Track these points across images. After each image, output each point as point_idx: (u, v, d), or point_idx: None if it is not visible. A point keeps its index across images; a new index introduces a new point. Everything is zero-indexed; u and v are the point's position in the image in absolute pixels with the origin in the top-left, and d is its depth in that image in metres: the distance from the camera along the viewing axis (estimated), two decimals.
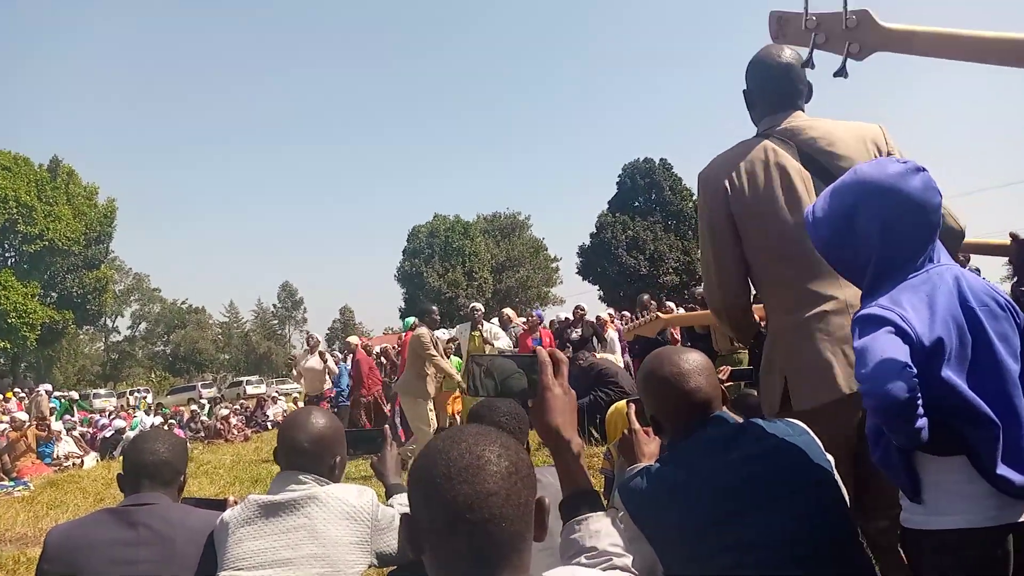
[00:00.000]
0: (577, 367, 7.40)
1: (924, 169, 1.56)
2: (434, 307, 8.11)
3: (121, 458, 11.19)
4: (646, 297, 9.46)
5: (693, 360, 1.70)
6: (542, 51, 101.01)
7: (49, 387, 17.97)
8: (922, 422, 1.37)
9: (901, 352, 1.39)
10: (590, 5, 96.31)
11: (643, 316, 3.16)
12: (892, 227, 1.54)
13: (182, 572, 1.95)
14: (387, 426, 7.56)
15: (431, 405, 7.50)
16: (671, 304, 9.08)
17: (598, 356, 8.32)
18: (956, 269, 1.56)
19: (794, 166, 2.11)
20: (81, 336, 50.40)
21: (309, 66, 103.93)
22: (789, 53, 2.21)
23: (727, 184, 2.16)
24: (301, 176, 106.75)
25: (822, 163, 2.11)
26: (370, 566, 2.04)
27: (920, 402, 1.36)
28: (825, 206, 1.65)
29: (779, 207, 2.10)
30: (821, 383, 1.98)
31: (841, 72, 2.02)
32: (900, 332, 1.43)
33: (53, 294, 39.14)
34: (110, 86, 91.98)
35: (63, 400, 18.80)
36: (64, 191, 38.41)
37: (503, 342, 8.86)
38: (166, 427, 13.35)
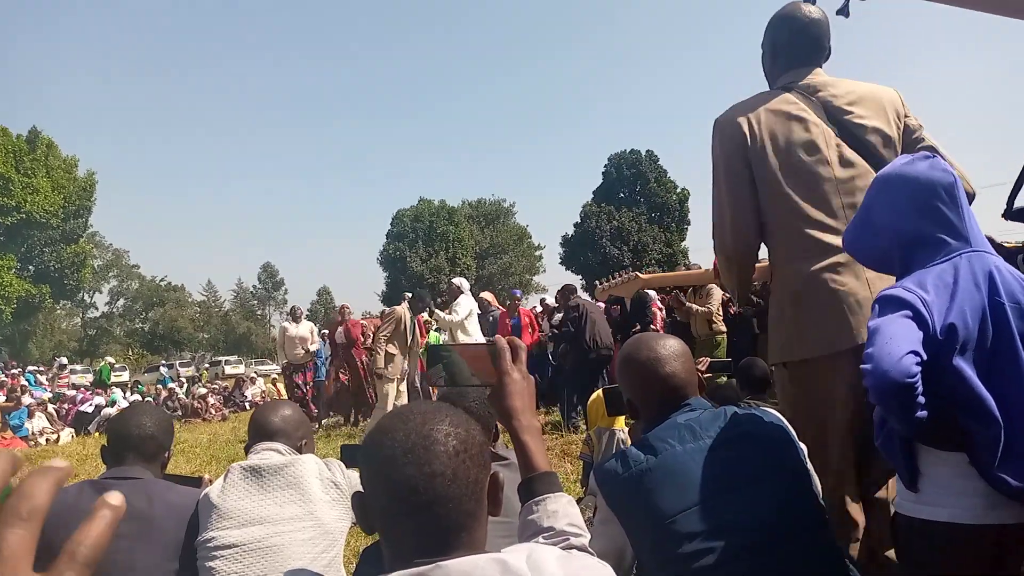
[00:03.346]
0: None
1: (931, 156, 1.58)
2: (426, 293, 8.09)
3: (99, 432, 11.06)
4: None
5: (670, 346, 1.72)
6: (532, 39, 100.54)
7: (64, 360, 17.70)
8: (922, 412, 1.38)
9: (912, 338, 1.40)
10: None
11: (620, 278, 3.12)
12: (902, 210, 1.58)
13: (161, 547, 1.96)
14: None
15: (395, 386, 7.53)
16: (651, 292, 9.08)
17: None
18: (994, 260, 1.54)
19: (815, 120, 2.11)
20: (58, 311, 49.64)
21: (296, 45, 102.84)
22: (815, 10, 2.21)
23: (746, 129, 2.15)
24: (285, 156, 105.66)
25: (844, 121, 2.12)
26: (353, 524, 2.16)
27: (920, 391, 1.37)
28: (852, 218, 1.72)
29: (797, 158, 2.10)
30: (834, 332, 1.99)
31: (843, 11, 1.99)
32: (917, 317, 1.44)
33: (30, 267, 38.50)
34: (93, 57, 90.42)
35: (104, 366, 18.53)
36: (43, 163, 37.61)
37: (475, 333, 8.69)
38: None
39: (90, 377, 28.87)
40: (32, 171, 36.73)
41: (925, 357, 1.39)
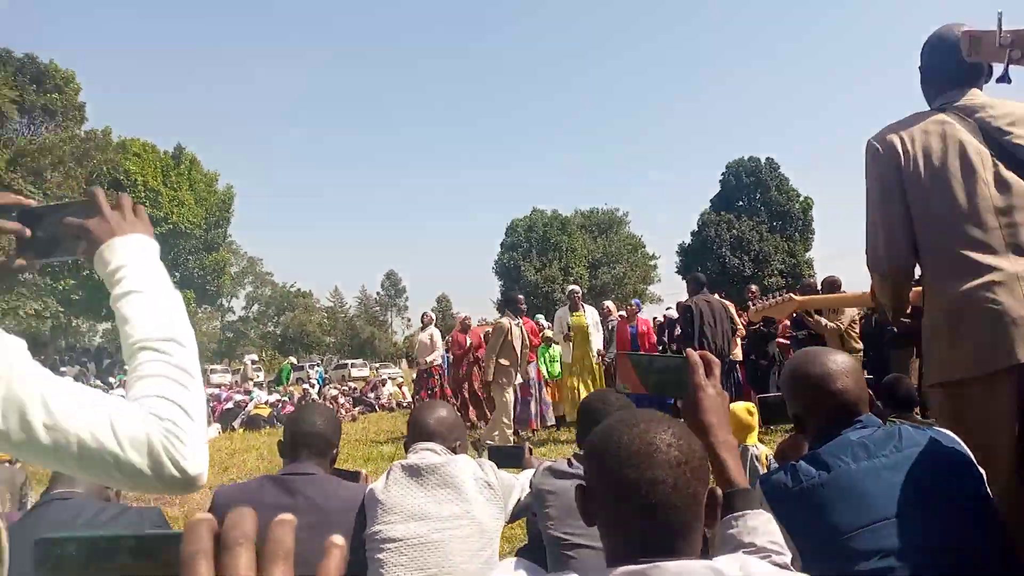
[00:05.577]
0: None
1: None
2: (519, 296, 8.54)
3: (243, 428, 11.92)
4: (755, 288, 9.61)
5: (840, 361, 1.71)
6: (646, 44, 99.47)
7: (254, 356, 18.65)
8: None
9: None
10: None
11: (773, 298, 3.06)
12: None
13: None
14: (527, 443, 8.04)
15: (509, 394, 7.82)
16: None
17: None
18: None
19: (971, 141, 2.07)
20: (199, 315, 53.34)
21: (421, 52, 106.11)
22: None
23: (900, 148, 2.13)
24: (406, 167, 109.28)
25: (1003, 142, 2.06)
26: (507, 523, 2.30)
27: None
28: None
29: (952, 179, 2.06)
30: (990, 351, 1.93)
31: (1004, 78, 1.96)
32: None
33: (176, 274, 41.46)
34: (233, 77, 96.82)
35: (286, 366, 19.73)
36: (187, 177, 40.44)
37: (596, 339, 9.13)
38: (280, 405, 14.09)
39: (228, 377, 30.97)
40: (178, 185, 39.55)
41: None
